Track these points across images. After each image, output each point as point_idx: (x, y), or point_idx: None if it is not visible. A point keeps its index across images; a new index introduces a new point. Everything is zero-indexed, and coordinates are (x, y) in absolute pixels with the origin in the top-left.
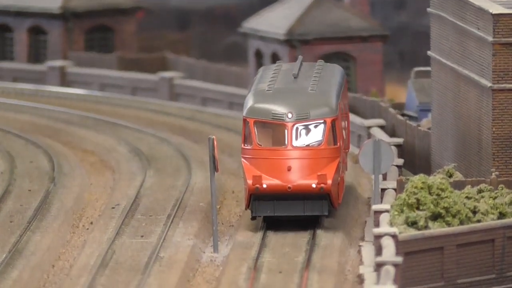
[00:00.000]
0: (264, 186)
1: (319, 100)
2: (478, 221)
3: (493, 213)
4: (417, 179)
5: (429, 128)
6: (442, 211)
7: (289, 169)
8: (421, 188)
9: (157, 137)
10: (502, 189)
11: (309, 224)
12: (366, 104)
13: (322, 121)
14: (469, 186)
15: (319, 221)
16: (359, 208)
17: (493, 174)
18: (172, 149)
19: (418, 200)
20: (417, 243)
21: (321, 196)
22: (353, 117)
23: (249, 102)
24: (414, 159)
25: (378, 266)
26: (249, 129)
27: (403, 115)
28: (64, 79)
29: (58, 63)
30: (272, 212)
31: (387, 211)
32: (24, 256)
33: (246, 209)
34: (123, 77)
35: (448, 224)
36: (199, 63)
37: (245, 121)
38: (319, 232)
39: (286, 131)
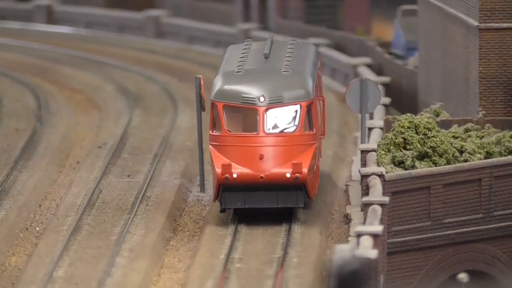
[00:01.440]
0: (234, 176)
1: (293, 82)
2: (465, 160)
3: (480, 153)
4: (404, 118)
5: (416, 67)
6: (429, 150)
7: (261, 157)
8: (408, 127)
9: (143, 76)
10: (489, 128)
11: (283, 216)
12: (352, 42)
13: (297, 105)
14: (456, 125)
15: (293, 214)
16: (346, 147)
17: (480, 113)
18: (159, 88)
19: (405, 139)
20: (404, 183)
21: (296, 187)
22: (339, 56)
23: (217, 84)
24: (401, 98)
25: (365, 206)
26: (217, 114)
27: (390, 53)
28: (51, 18)
29: (44, 1)
30: (243, 204)
31: (374, 150)
32: (11, 196)
33: (214, 200)
34: (110, 15)
35: (435, 164)
36: (186, 1)
37: (213, 105)
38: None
39: (257, 116)
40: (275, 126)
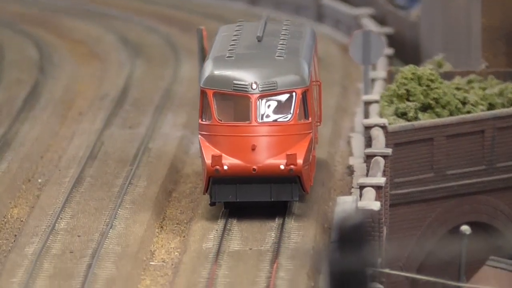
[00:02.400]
0: (225, 167)
1: (288, 67)
2: (468, 112)
3: (482, 104)
4: (407, 69)
5: (418, 18)
6: (432, 102)
7: (253, 148)
8: (411, 78)
9: (145, 27)
10: (492, 80)
11: (277, 210)
12: None
13: (291, 92)
14: (459, 77)
15: (288, 207)
16: (349, 98)
17: (482, 65)
18: (161, 39)
19: (407, 91)
20: (406, 134)
21: (291, 179)
22: (342, 6)
23: (207, 70)
24: (404, 49)
25: (368, 158)
26: (207, 102)
27: (393, 4)
28: None
29: None
30: (234, 197)
31: (376, 101)
32: (13, 148)
33: (204, 193)
34: None
35: (438, 115)
36: None
37: (202, 92)
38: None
39: (250, 104)
40: (268, 115)
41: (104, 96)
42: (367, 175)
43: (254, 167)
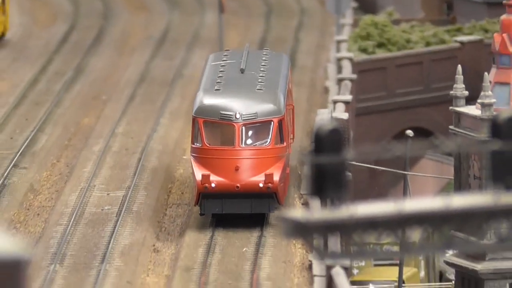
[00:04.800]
0: (213, 185)
1: (266, 99)
2: (411, 48)
3: (421, 43)
4: (367, 18)
5: None
6: (385, 41)
7: (237, 168)
8: (370, 24)
9: None
10: (428, 25)
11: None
12: None
13: (269, 121)
14: (404, 23)
15: (265, 218)
16: (326, 38)
17: (421, 14)
18: None
19: (368, 33)
20: (367, 64)
21: (268, 195)
22: None
23: (198, 101)
24: (365, 3)
25: (339, 81)
26: (198, 128)
27: None
28: None
29: None
30: (220, 210)
31: (345, 41)
32: (85, 74)
33: (195, 205)
34: None
35: (389, 51)
36: None
37: (194, 120)
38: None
39: (234, 131)
40: (249, 140)
41: (150, 37)
42: (338, 93)
43: (238, 184)
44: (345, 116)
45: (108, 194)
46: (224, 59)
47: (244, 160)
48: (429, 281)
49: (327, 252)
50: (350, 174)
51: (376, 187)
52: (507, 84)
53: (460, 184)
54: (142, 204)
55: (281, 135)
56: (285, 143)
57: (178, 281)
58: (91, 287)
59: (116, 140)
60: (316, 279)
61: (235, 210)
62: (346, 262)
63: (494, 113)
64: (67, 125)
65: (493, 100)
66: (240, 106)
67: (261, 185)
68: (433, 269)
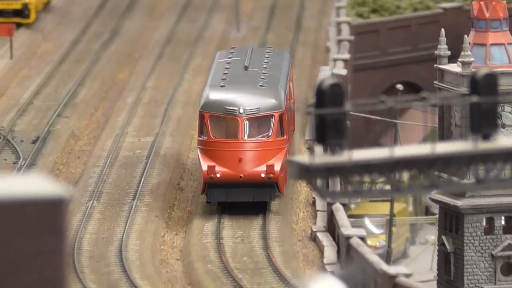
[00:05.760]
0: (218, 175)
1: (268, 95)
2: (401, 13)
3: (409, 9)
4: None
5: None
6: (379, 7)
7: (240, 160)
8: None
9: None
10: None
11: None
12: None
13: (271, 115)
14: None
15: (267, 206)
16: (327, 4)
17: None
18: None
19: (363, 0)
20: (363, 27)
21: (270, 185)
22: None
23: (204, 96)
24: None
25: (339, 42)
26: (204, 122)
27: None
28: None
29: None
30: (225, 198)
31: (344, 7)
32: (120, 35)
33: (201, 194)
34: None
35: (382, 16)
36: None
37: (201, 114)
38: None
39: (238, 125)
40: (252, 134)
41: (176, 3)
42: (338, 52)
43: (241, 175)
44: (344, 72)
45: (139, 139)
46: (230, 56)
47: (247, 152)
48: (416, 215)
49: (328, 191)
50: (348, 123)
51: (371, 134)
52: (484, 45)
53: (443, 131)
54: (169, 149)
55: (281, 128)
56: (285, 136)
57: (199, 216)
58: (124, 220)
59: (146, 93)
60: (318, 213)
61: (239, 199)
62: (345, 200)
63: (473, 70)
64: (104, 80)
65: (472, 59)
66: (243, 102)
67: (263, 175)
68: (420, 204)
